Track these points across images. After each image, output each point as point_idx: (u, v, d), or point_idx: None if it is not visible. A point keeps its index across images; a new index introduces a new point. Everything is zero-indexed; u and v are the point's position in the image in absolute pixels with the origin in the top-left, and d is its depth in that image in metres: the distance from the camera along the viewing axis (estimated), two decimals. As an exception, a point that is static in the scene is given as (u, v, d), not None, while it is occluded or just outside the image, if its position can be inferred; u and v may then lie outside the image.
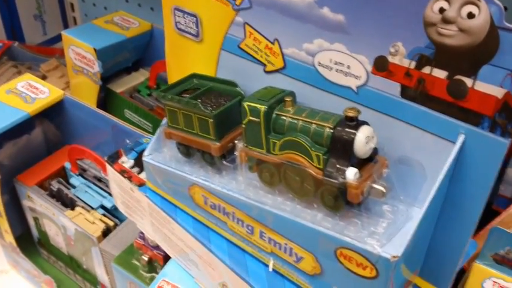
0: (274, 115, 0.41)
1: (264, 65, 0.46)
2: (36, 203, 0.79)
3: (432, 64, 0.37)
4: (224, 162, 0.46)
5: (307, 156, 0.39)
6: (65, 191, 0.77)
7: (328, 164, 0.38)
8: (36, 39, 1.28)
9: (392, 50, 0.38)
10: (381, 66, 0.39)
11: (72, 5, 1.29)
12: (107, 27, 0.94)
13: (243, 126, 0.42)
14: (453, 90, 0.36)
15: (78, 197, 0.76)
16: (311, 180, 0.40)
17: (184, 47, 0.51)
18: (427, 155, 0.40)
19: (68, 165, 0.81)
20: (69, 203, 0.76)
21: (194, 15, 0.48)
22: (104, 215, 0.72)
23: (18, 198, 0.82)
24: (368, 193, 0.39)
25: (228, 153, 0.47)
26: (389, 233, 0.39)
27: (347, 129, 0.38)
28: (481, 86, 0.35)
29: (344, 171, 0.38)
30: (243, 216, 0.45)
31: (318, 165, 0.39)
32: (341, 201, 0.39)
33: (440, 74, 0.37)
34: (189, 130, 0.47)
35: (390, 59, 0.38)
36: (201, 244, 0.49)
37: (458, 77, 0.36)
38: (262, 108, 0.41)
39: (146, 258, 0.64)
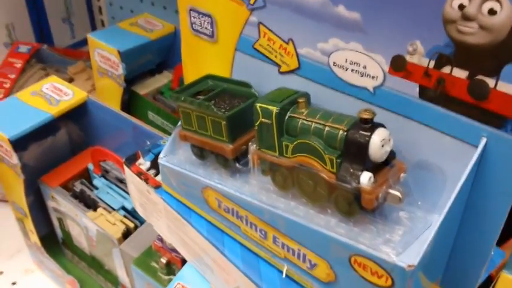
0: (287, 117, 0.40)
1: (279, 65, 0.44)
2: (60, 203, 0.79)
3: (452, 63, 0.35)
4: (237, 165, 0.45)
5: (320, 159, 0.38)
6: (88, 192, 0.78)
7: (342, 168, 0.37)
8: (65, 41, 1.30)
9: (410, 48, 0.36)
10: (399, 65, 0.37)
11: (100, 8, 1.30)
12: (132, 29, 0.94)
13: (255, 128, 0.41)
14: (474, 91, 0.34)
15: (100, 198, 0.76)
16: (324, 184, 0.39)
17: (200, 48, 0.50)
18: (447, 158, 0.38)
19: (91, 166, 0.81)
20: (91, 204, 0.76)
21: (209, 16, 0.47)
22: (125, 216, 0.72)
23: (43, 198, 0.83)
24: (384, 199, 0.37)
25: (241, 156, 0.46)
26: (406, 241, 0.37)
27: (361, 132, 0.36)
28: (504, 87, 0.33)
29: (358, 176, 0.36)
30: (256, 221, 0.44)
31: (331, 169, 0.38)
32: (355, 206, 0.38)
33: (461, 73, 0.35)
34: (203, 132, 0.46)
35: (408, 58, 0.37)
36: (215, 248, 0.48)
37: (479, 77, 0.34)
38: (275, 109, 0.39)
39: (164, 261, 0.64)
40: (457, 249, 0.41)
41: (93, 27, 1.34)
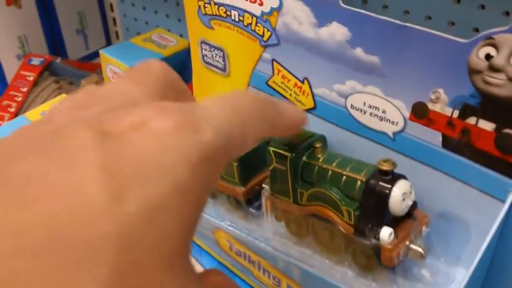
0: (302, 162, 0.38)
1: (294, 104, 0.43)
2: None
3: (478, 115, 0.33)
4: (250, 209, 0.44)
5: (337, 210, 0.36)
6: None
7: (360, 222, 0.35)
8: (79, 53, 1.29)
9: (432, 96, 0.34)
10: (420, 113, 0.35)
11: (114, 19, 1.29)
12: (145, 45, 0.93)
13: (269, 173, 0.39)
14: (501, 145, 0.32)
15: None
16: (341, 236, 0.37)
17: (211, 81, 0.49)
18: (471, 210, 0.36)
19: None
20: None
21: (221, 49, 0.45)
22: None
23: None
24: (405, 254, 0.35)
25: (254, 198, 0.44)
26: (428, 300, 0.35)
27: (381, 184, 0.34)
28: (535, 142, 0.31)
29: (377, 231, 0.34)
30: (269, 267, 0.42)
31: (349, 221, 0.36)
32: (374, 261, 0.36)
33: (487, 126, 0.32)
34: (214, 172, 0.44)
35: (430, 106, 0.34)
36: (227, 290, 0.46)
37: (507, 130, 0.32)
38: (289, 155, 0.38)
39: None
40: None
41: (107, 39, 1.33)
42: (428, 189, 0.37)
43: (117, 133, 0.17)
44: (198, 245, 0.50)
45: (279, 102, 0.27)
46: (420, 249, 0.34)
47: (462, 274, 0.34)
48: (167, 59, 0.91)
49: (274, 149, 0.39)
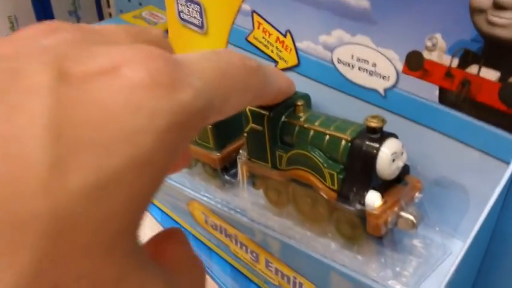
0: (281, 122, 0.34)
1: (276, 61, 0.38)
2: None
3: (480, 62, 0.29)
4: (226, 176, 0.39)
5: (320, 174, 0.32)
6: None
7: (344, 186, 0.31)
8: (70, 35, 1.24)
9: (429, 43, 0.30)
10: (415, 63, 0.31)
11: (108, 1, 1.25)
12: (135, 22, 0.89)
13: (245, 135, 0.35)
14: (507, 97, 0.28)
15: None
16: (324, 203, 0.33)
17: (188, 40, 0.44)
18: (471, 175, 0.32)
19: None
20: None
21: (198, 3, 0.41)
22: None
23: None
24: (394, 223, 0.31)
25: (231, 165, 0.40)
26: (421, 274, 0.31)
27: (368, 143, 0.30)
28: (545, 91, 0.27)
29: (363, 196, 0.30)
30: (247, 241, 0.38)
31: (331, 186, 0.32)
32: (360, 231, 0.32)
33: (491, 75, 0.28)
34: (188, 137, 0.40)
35: (426, 55, 0.30)
36: (202, 268, 0.43)
37: (514, 79, 0.28)
38: (267, 114, 0.33)
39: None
40: (481, 282, 0.35)
41: (101, 20, 1.29)
42: (423, 151, 0.33)
43: (80, 77, 0.13)
44: (172, 218, 0.46)
45: (268, 71, 0.24)
46: (411, 217, 0.30)
47: (459, 246, 0.30)
48: (155, 35, 0.87)
49: (250, 107, 0.34)
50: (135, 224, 0.14)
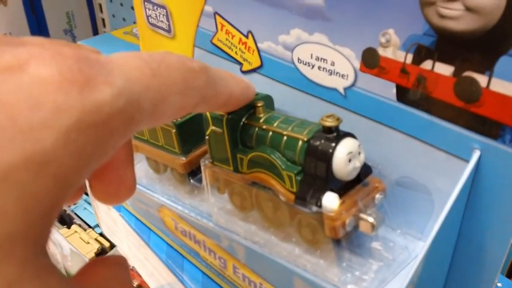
0: (241, 124, 0.33)
1: (240, 63, 0.38)
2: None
3: (434, 57, 0.28)
4: (192, 180, 0.39)
5: (279, 176, 0.31)
6: (64, 207, 0.72)
7: (302, 188, 0.30)
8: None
9: (382, 39, 0.29)
10: (371, 61, 0.30)
11: (103, 20, 1.25)
12: (125, 38, 0.89)
13: (206, 137, 0.35)
14: (462, 92, 0.27)
15: (76, 214, 0.71)
16: (284, 207, 0.32)
17: (159, 45, 0.44)
18: (434, 175, 0.31)
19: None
20: (67, 220, 0.71)
21: (163, 7, 0.41)
22: (101, 235, 0.66)
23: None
24: (354, 225, 0.30)
25: (199, 170, 0.39)
26: (382, 279, 0.30)
27: (323, 143, 0.29)
28: (499, 85, 0.26)
29: (320, 198, 0.29)
30: (214, 247, 0.38)
31: (290, 189, 0.31)
32: (321, 234, 0.31)
33: (445, 69, 0.27)
34: (155, 142, 0.40)
35: (381, 51, 0.29)
36: (174, 275, 0.42)
37: (468, 73, 0.27)
38: (225, 116, 0.33)
39: (135, 285, 0.58)
40: (451, 284, 0.34)
41: (94, 38, 1.29)
42: (385, 152, 0.32)
43: None
44: (146, 225, 0.45)
45: (217, 74, 0.23)
46: (371, 219, 0.29)
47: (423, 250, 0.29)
48: (145, 46, 0.87)
49: (210, 110, 0.34)
50: (35, 229, 0.14)
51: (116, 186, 0.20)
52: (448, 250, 0.32)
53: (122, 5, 1.13)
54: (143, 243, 0.45)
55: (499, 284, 0.39)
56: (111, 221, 0.49)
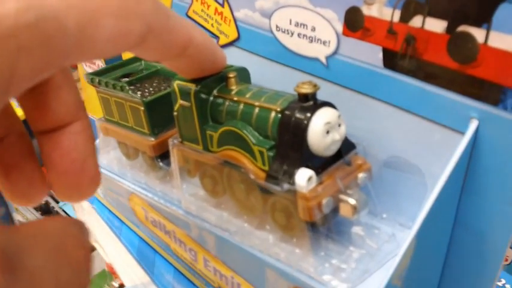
0: (211, 97, 0.30)
1: (217, 37, 0.35)
2: (24, 216, 0.71)
3: (424, 12, 0.24)
4: (161, 164, 0.35)
5: (250, 153, 0.28)
6: (52, 203, 0.69)
7: (274, 165, 0.26)
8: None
9: (366, -5, 0.26)
10: (354, 22, 0.27)
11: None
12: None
13: (174, 113, 0.31)
14: (456, 50, 0.23)
15: (65, 212, 0.67)
16: (256, 188, 0.28)
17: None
18: (426, 153, 0.27)
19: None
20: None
21: (139, -21, 0.38)
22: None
23: (9, 211, 0.76)
24: (332, 208, 0.26)
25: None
26: (364, 269, 0.26)
27: (298, 112, 0.25)
28: (499, 40, 0.22)
29: (292, 174, 0.25)
30: (184, 237, 0.34)
31: (262, 166, 0.27)
32: (296, 218, 0.27)
33: (437, 25, 0.24)
34: (124, 123, 0.36)
35: (365, 10, 0.26)
36: (145, 272, 0.38)
37: (462, 27, 0.23)
38: (193, 87, 0.29)
39: (116, 285, 0.54)
40: (448, 278, 0.30)
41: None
42: (371, 126, 0.28)
43: None
44: (118, 219, 0.42)
45: (177, 15, 0.20)
46: (352, 201, 0.26)
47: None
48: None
49: (178, 82, 0.30)
50: None
51: (75, 176, 0.17)
52: (442, 239, 0.28)
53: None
54: (115, 238, 0.41)
55: (503, 280, 0.35)
56: (87, 215, 0.46)
